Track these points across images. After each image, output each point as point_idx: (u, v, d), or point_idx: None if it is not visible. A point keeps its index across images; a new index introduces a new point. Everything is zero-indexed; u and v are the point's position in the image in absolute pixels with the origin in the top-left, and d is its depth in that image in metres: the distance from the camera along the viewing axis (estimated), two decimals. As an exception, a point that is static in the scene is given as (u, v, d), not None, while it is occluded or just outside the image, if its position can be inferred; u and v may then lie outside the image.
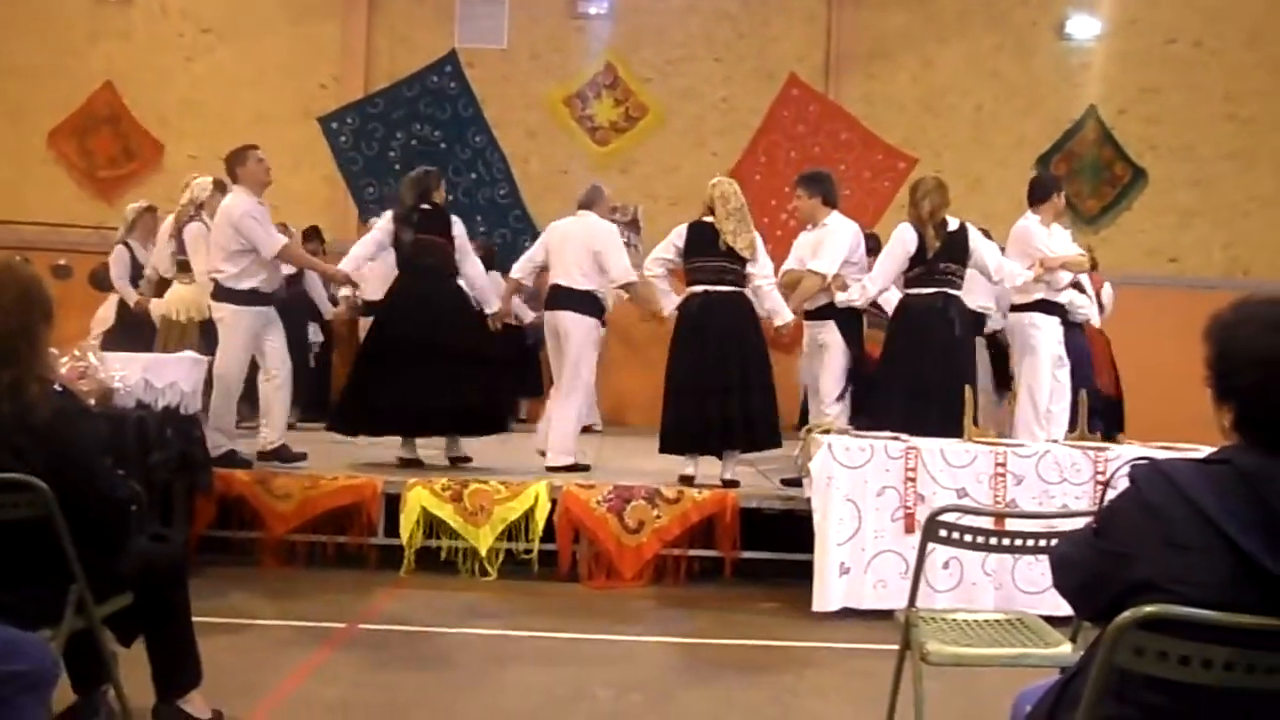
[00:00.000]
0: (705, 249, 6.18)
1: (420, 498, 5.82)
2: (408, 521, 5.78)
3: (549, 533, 5.81)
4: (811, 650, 4.81)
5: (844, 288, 6.27)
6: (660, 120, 11.76)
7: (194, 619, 3.27)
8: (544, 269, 7.07)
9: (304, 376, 8.21)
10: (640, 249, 7.24)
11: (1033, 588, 5.03)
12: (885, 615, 4.34)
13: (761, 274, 6.29)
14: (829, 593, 5.18)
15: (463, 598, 5.45)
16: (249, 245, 6.28)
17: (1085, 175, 11.77)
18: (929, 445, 5.30)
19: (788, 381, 7.32)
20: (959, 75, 11.78)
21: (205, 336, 6.89)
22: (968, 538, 2.96)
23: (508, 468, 6.52)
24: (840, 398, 6.37)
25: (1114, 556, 1.82)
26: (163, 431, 5.29)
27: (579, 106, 11.78)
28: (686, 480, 6.07)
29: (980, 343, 6.86)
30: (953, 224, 6.10)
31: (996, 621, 3.23)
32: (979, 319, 6.75)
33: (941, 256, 6.04)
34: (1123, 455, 5.20)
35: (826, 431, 5.45)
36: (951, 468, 5.26)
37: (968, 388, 5.58)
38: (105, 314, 8.42)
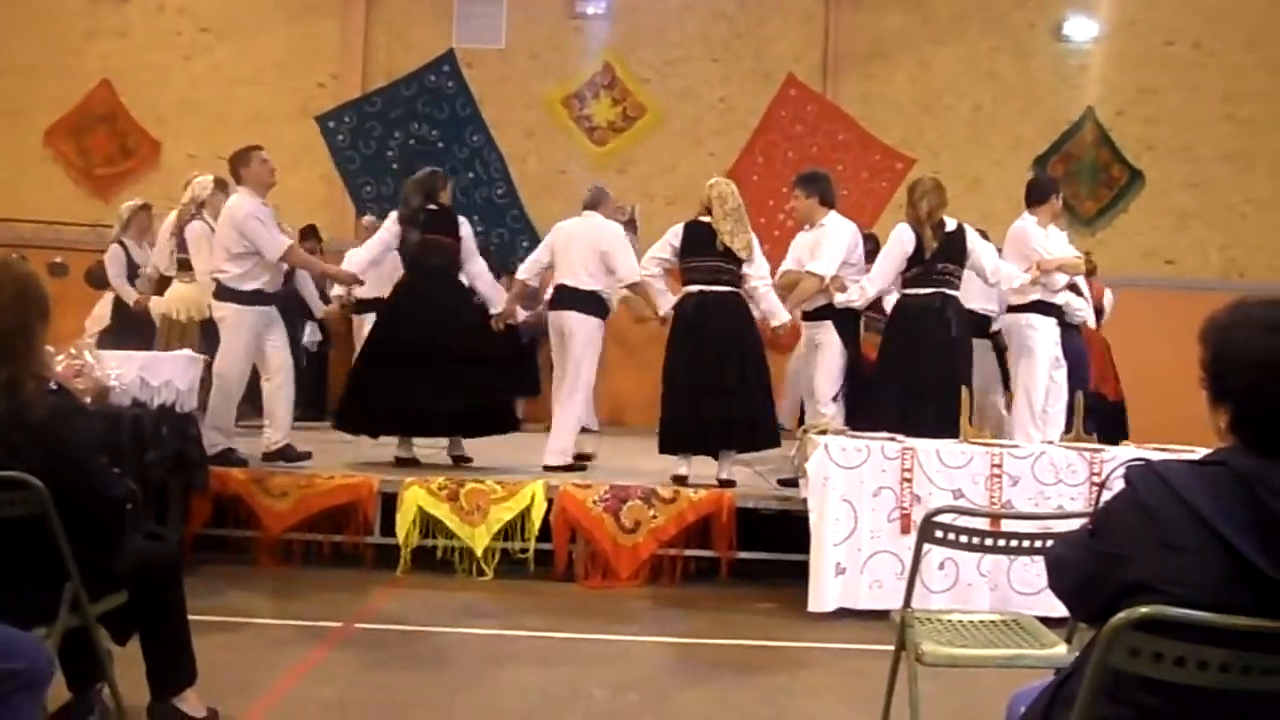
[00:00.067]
0: (702, 249, 6.18)
1: (416, 497, 5.82)
2: (404, 521, 5.78)
3: (545, 532, 5.81)
4: (807, 650, 4.81)
5: (842, 289, 6.27)
6: (658, 120, 11.75)
7: (189, 617, 3.27)
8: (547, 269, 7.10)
9: (300, 376, 8.21)
10: (638, 249, 7.28)
11: (1028, 589, 5.04)
12: (881, 616, 4.34)
13: (757, 274, 6.29)
14: (825, 593, 5.18)
15: (459, 597, 5.45)
16: (253, 247, 6.28)
17: (1083, 177, 11.77)
18: (925, 446, 5.30)
19: (774, 382, 7.32)
20: (956, 76, 11.78)
21: (206, 336, 6.89)
22: (963, 538, 2.96)
23: (505, 467, 6.52)
24: (836, 398, 6.37)
25: (1109, 558, 1.82)
26: (158, 430, 5.29)
27: (577, 106, 11.78)
28: (679, 480, 6.07)
29: (986, 344, 6.85)
30: (950, 224, 6.11)
31: (992, 622, 3.24)
32: (981, 320, 6.75)
33: (939, 257, 6.04)
34: (1118, 457, 5.21)
35: (823, 432, 5.46)
36: (947, 468, 5.26)
37: (964, 388, 5.58)
38: (100, 312, 8.42)
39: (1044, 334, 6.60)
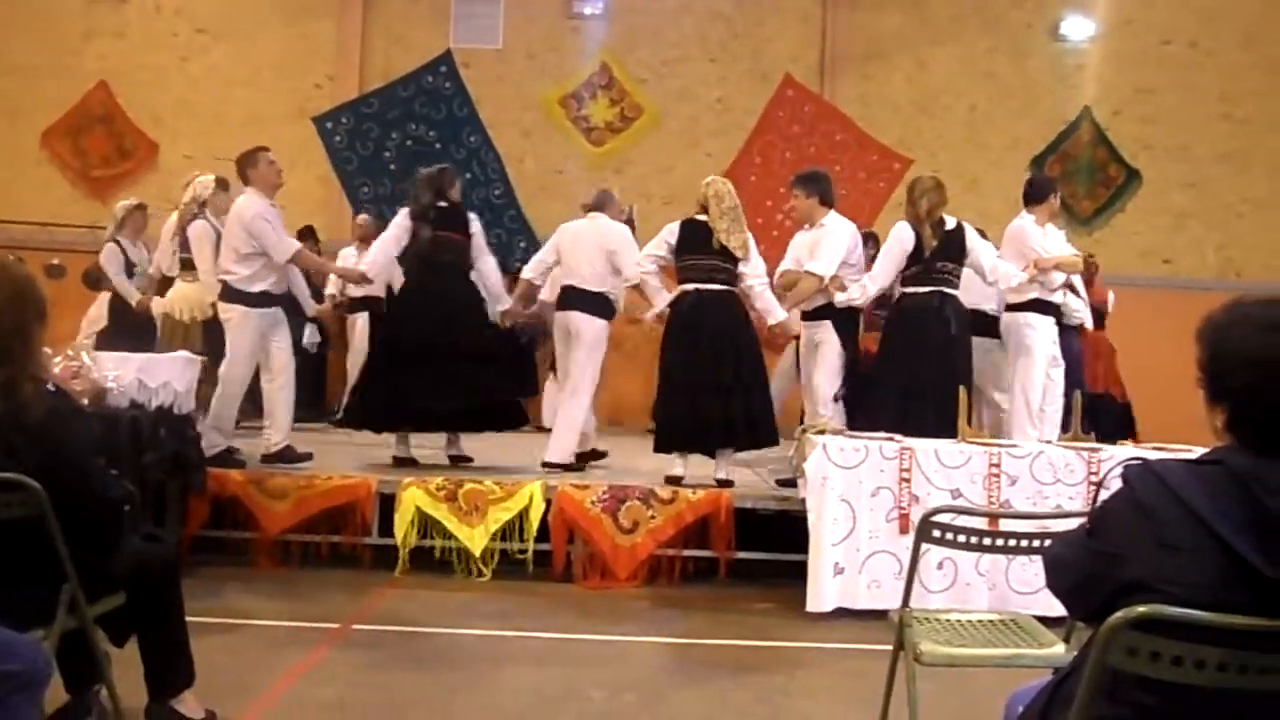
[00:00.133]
0: (698, 247, 6.19)
1: (415, 497, 5.82)
2: (402, 521, 5.78)
3: (544, 533, 5.81)
4: (805, 650, 4.81)
5: (842, 288, 6.26)
6: (655, 121, 11.76)
7: (187, 619, 3.27)
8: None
9: (300, 376, 8.22)
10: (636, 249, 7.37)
11: (1026, 588, 5.04)
12: (879, 615, 4.35)
13: (754, 274, 6.30)
14: (823, 593, 5.18)
15: (457, 598, 5.45)
16: (261, 248, 6.28)
17: (1080, 176, 11.79)
18: (923, 446, 5.30)
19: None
20: (954, 76, 11.79)
21: (207, 336, 6.89)
22: (962, 538, 2.96)
23: (503, 467, 6.52)
24: (837, 398, 6.37)
25: (1106, 557, 1.82)
26: (156, 431, 5.29)
27: (574, 107, 11.78)
28: (674, 480, 6.06)
29: (994, 344, 6.85)
30: (950, 223, 6.11)
31: (990, 622, 3.24)
32: (987, 319, 6.74)
33: (938, 255, 6.04)
34: (1116, 456, 5.21)
35: (821, 432, 5.46)
36: (946, 468, 5.26)
37: (962, 388, 5.58)
38: (96, 313, 8.40)
39: (1042, 333, 6.60)
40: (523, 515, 5.80)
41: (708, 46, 11.81)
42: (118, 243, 8.13)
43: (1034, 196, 6.81)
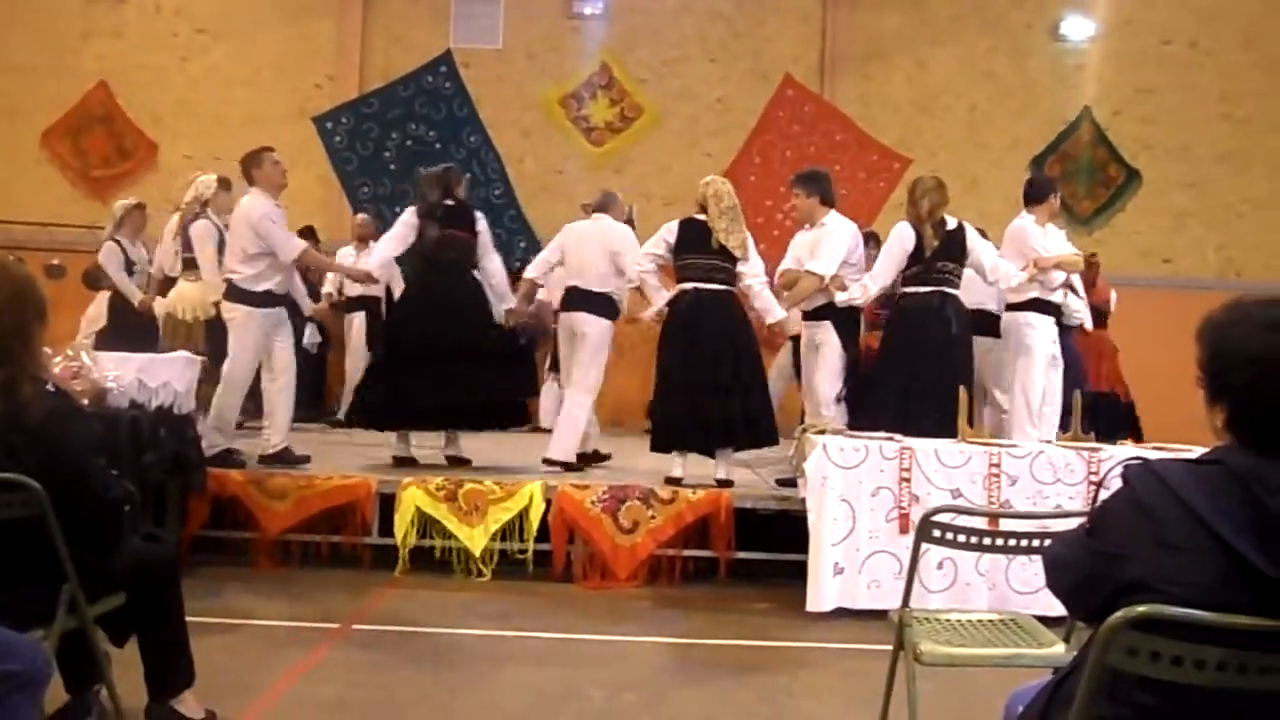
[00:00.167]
0: (697, 246, 6.19)
1: (415, 497, 5.82)
2: (402, 521, 5.78)
3: (544, 533, 5.81)
4: (805, 650, 4.81)
5: (843, 288, 6.25)
6: (655, 120, 11.76)
7: (187, 619, 3.27)
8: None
9: (300, 376, 8.23)
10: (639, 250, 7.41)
11: (1026, 588, 5.04)
12: (879, 615, 4.35)
13: (752, 273, 6.30)
14: (823, 593, 5.18)
15: (457, 597, 5.45)
16: (267, 248, 6.28)
17: (1080, 176, 11.79)
18: (923, 446, 5.30)
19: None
20: (954, 76, 11.79)
21: (210, 335, 6.89)
22: (962, 538, 2.96)
23: (503, 467, 6.52)
24: (839, 399, 6.37)
25: (1106, 557, 1.82)
26: (156, 431, 5.29)
27: (574, 107, 11.78)
28: (674, 482, 6.05)
29: (998, 343, 6.84)
30: (951, 223, 6.11)
31: (990, 622, 3.24)
32: (991, 319, 6.74)
33: (939, 255, 6.04)
34: (1116, 456, 5.21)
35: (821, 432, 5.46)
36: (946, 468, 5.26)
37: (962, 388, 5.58)
38: (95, 312, 8.40)
39: (1042, 333, 6.59)
40: (523, 515, 5.80)
41: (708, 46, 11.81)
42: (117, 241, 8.13)
43: (1034, 196, 6.81)
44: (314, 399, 9.38)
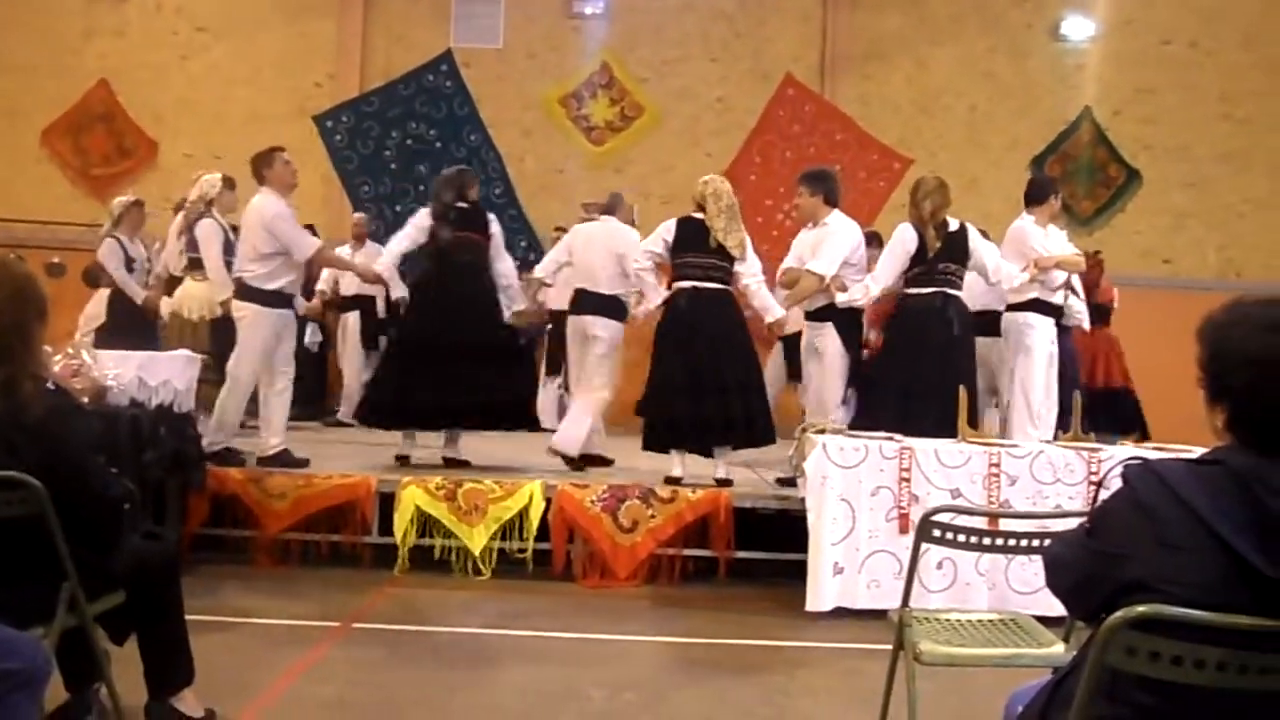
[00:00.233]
0: (695, 245, 6.19)
1: (414, 496, 5.82)
2: (402, 520, 5.78)
3: (544, 532, 5.81)
4: (805, 650, 4.81)
5: (843, 288, 6.25)
6: (656, 120, 11.76)
7: (187, 617, 3.27)
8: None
9: (300, 376, 8.24)
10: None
11: (1026, 588, 5.04)
12: (879, 615, 4.34)
13: (749, 273, 6.30)
14: (823, 592, 5.18)
15: (457, 596, 5.45)
16: (280, 247, 6.28)
17: (1080, 176, 11.79)
18: (923, 445, 5.30)
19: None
20: (954, 76, 11.79)
21: (215, 335, 6.89)
22: (961, 538, 2.96)
23: (503, 467, 6.52)
24: (845, 401, 6.37)
25: (1106, 557, 1.82)
26: (156, 430, 5.29)
27: (575, 106, 11.78)
28: (673, 481, 6.05)
29: (1003, 343, 6.83)
30: (953, 224, 6.10)
31: (990, 621, 3.24)
32: (996, 319, 6.73)
33: (941, 256, 6.04)
34: (1116, 456, 5.21)
35: (821, 431, 5.46)
36: (946, 468, 5.26)
37: (962, 388, 5.58)
38: (94, 309, 8.38)
39: (1042, 333, 6.59)
40: (522, 514, 5.80)
41: (709, 46, 11.82)
42: (116, 239, 8.12)
43: (1034, 197, 6.81)
44: (314, 398, 9.38)
